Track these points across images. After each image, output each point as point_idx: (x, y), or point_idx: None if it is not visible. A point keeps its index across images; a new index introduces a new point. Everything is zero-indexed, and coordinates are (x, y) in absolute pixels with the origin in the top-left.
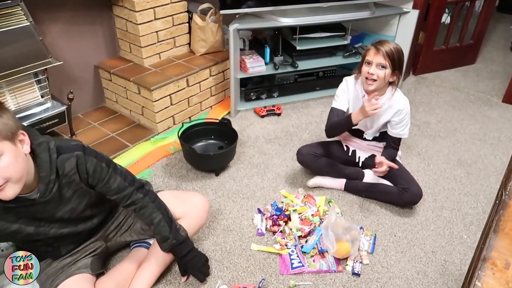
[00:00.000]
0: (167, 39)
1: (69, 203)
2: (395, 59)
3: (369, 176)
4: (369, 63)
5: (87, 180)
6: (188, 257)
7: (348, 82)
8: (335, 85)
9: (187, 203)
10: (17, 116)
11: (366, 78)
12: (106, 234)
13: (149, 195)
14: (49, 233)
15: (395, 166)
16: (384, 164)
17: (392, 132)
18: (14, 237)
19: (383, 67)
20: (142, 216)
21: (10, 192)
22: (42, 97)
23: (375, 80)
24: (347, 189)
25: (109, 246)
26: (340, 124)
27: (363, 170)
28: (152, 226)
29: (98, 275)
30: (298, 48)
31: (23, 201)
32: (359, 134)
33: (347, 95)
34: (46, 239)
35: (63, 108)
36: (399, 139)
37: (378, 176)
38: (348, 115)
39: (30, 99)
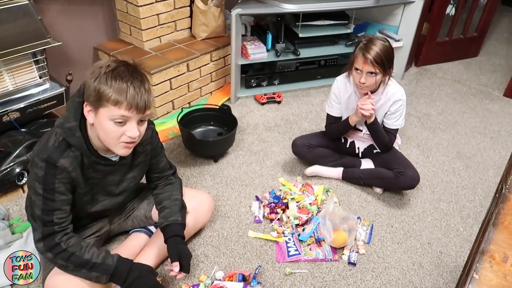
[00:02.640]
0: (168, 23)
1: (134, 170)
2: (384, 62)
3: (366, 165)
4: (358, 69)
5: (150, 153)
6: (182, 243)
7: (339, 82)
8: (337, 74)
9: (195, 199)
10: (15, 96)
11: (358, 86)
12: (113, 216)
13: (179, 181)
14: (110, 200)
15: (371, 96)
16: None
17: (387, 122)
18: (82, 194)
19: (373, 73)
20: (165, 191)
21: (130, 150)
22: (40, 78)
23: (367, 87)
24: (345, 177)
25: (111, 230)
26: (339, 129)
27: (360, 159)
28: (166, 201)
29: None
30: (300, 35)
31: (107, 160)
32: (356, 130)
33: (338, 99)
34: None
35: (62, 89)
36: (396, 130)
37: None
38: (346, 119)
39: (28, 80)
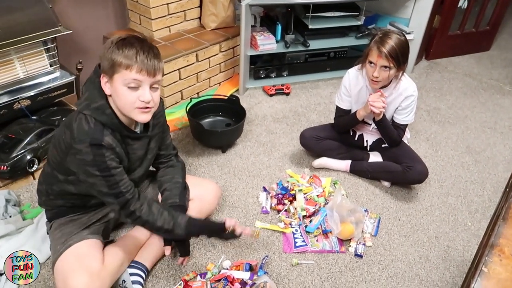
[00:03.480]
0: (178, 12)
1: (152, 142)
2: (399, 57)
3: (374, 159)
4: (372, 63)
5: (162, 126)
6: None
7: (350, 75)
8: (346, 66)
9: (201, 187)
10: (25, 84)
11: (371, 79)
12: None
13: (181, 164)
14: (135, 173)
15: (384, 94)
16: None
17: (397, 118)
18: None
19: (387, 67)
20: (166, 174)
21: (149, 116)
22: (50, 66)
23: (380, 81)
24: (352, 170)
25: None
26: (347, 122)
27: (368, 153)
28: (167, 184)
29: (107, 243)
30: (310, 26)
31: (134, 133)
32: (366, 124)
33: (348, 92)
34: None
35: (72, 78)
36: (405, 125)
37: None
38: (354, 113)
39: (38, 68)
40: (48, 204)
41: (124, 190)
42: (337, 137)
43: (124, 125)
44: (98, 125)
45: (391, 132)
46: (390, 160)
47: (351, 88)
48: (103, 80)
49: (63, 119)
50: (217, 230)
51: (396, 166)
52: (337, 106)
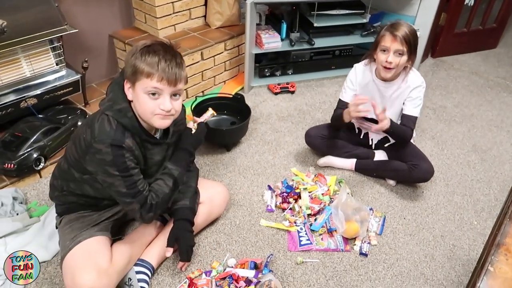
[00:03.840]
0: (183, 11)
1: (170, 149)
2: (411, 43)
3: (380, 157)
4: (385, 50)
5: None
6: (186, 229)
7: (357, 69)
8: (351, 64)
9: (211, 190)
10: (32, 83)
11: (384, 66)
12: None
13: (196, 171)
14: (151, 179)
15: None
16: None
17: (407, 109)
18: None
19: (401, 54)
20: None
21: (168, 122)
22: (57, 64)
23: (392, 68)
24: (358, 169)
25: (128, 213)
26: (335, 117)
27: (374, 151)
28: (182, 187)
29: (114, 240)
30: (315, 24)
31: (153, 138)
32: (372, 121)
33: (354, 85)
34: None
35: (78, 76)
36: (415, 119)
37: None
38: (341, 112)
39: (45, 66)
40: (60, 199)
41: (141, 189)
42: (343, 135)
43: (144, 130)
44: (119, 127)
45: (402, 133)
46: (395, 159)
47: (357, 82)
48: (126, 85)
49: (70, 117)
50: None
51: (402, 164)
52: (339, 99)
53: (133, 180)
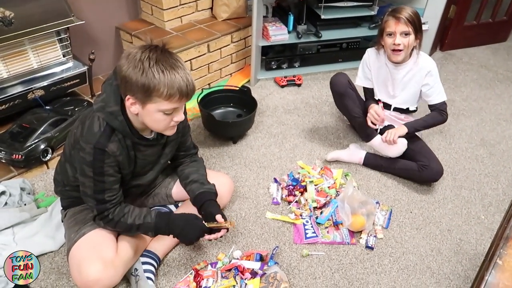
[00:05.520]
0: (189, 3)
1: (168, 147)
2: (415, 23)
3: (377, 141)
4: (391, 34)
5: (181, 131)
6: (219, 206)
7: (369, 53)
8: (359, 57)
9: (215, 181)
10: (39, 74)
11: (393, 50)
12: (137, 195)
13: (201, 160)
14: (145, 177)
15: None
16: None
17: (431, 100)
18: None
19: (407, 34)
20: (191, 167)
21: (175, 129)
22: (63, 56)
23: (401, 50)
24: (366, 163)
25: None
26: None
27: (377, 134)
28: (194, 175)
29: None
30: (322, 17)
31: (146, 139)
32: (386, 106)
33: (369, 68)
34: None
35: (84, 68)
36: (443, 104)
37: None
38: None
39: (52, 58)
40: (63, 194)
41: (107, 199)
42: (358, 106)
43: (136, 132)
44: (107, 130)
45: (433, 124)
46: (404, 156)
47: (370, 65)
48: (129, 101)
49: (76, 109)
50: (195, 225)
51: (411, 163)
52: (363, 88)
53: (102, 187)
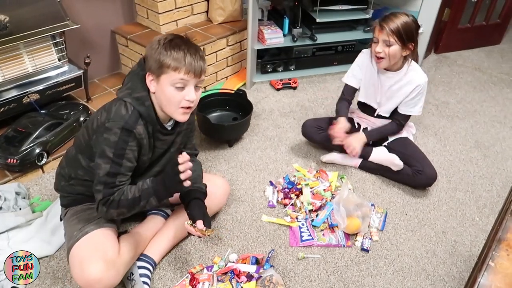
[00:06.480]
0: (185, 6)
1: (178, 137)
2: (402, 34)
3: (377, 153)
4: (375, 41)
5: (190, 125)
6: (204, 205)
7: (364, 54)
8: (354, 60)
9: (210, 183)
10: (34, 78)
11: (375, 56)
12: None
13: (200, 164)
14: (154, 168)
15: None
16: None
17: (401, 109)
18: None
19: (388, 44)
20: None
21: (188, 115)
22: (59, 60)
23: (382, 58)
24: (362, 167)
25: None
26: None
27: (372, 148)
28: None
29: (120, 233)
30: (318, 20)
31: (164, 128)
32: (371, 111)
33: (360, 69)
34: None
35: (80, 72)
36: (408, 117)
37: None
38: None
39: (47, 62)
40: (66, 189)
41: (117, 183)
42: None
43: (159, 120)
44: (135, 113)
45: (388, 134)
46: (397, 158)
47: (363, 67)
48: (149, 78)
49: (72, 113)
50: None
51: (406, 169)
52: (345, 84)
53: (118, 170)
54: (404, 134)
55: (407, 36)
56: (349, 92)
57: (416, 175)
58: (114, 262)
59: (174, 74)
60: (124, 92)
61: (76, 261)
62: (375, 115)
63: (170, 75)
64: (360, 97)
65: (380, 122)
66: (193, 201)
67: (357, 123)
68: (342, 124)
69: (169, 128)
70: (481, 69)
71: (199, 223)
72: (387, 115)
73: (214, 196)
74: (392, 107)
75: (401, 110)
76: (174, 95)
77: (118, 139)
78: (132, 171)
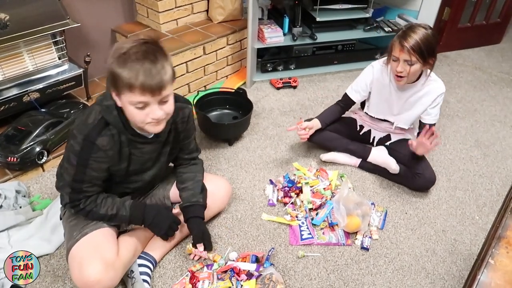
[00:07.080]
0: (185, 5)
1: (167, 146)
2: (423, 51)
3: (376, 154)
4: (395, 59)
5: (184, 133)
6: (203, 223)
7: (375, 69)
8: (354, 59)
9: (212, 184)
10: (34, 77)
11: (396, 75)
12: (136, 195)
13: (201, 162)
14: (144, 174)
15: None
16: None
17: (426, 118)
18: (120, 170)
19: (410, 62)
20: (189, 171)
21: (162, 126)
22: (59, 59)
23: (403, 77)
24: (361, 166)
25: None
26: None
27: (371, 147)
28: (190, 182)
29: (120, 233)
30: (318, 19)
31: (143, 137)
32: (386, 123)
33: (367, 87)
34: (129, 182)
35: (80, 71)
36: (434, 124)
37: (389, 156)
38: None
39: (47, 61)
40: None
41: (84, 189)
42: (339, 128)
43: (131, 129)
44: (101, 123)
45: None
46: (396, 158)
47: (373, 83)
48: (113, 92)
49: (72, 111)
50: (165, 214)
51: (406, 171)
52: (346, 94)
53: (82, 178)
54: (408, 135)
55: (428, 52)
56: (347, 103)
57: (415, 178)
58: (113, 264)
59: (130, 95)
60: (99, 98)
61: (75, 263)
62: (393, 128)
63: (126, 95)
64: (371, 111)
65: (385, 125)
66: (192, 220)
67: (360, 125)
68: (312, 124)
69: (150, 137)
70: (481, 68)
71: (200, 247)
72: (406, 127)
73: (216, 198)
74: (410, 118)
75: (426, 120)
76: (137, 114)
77: (81, 149)
78: (102, 179)
